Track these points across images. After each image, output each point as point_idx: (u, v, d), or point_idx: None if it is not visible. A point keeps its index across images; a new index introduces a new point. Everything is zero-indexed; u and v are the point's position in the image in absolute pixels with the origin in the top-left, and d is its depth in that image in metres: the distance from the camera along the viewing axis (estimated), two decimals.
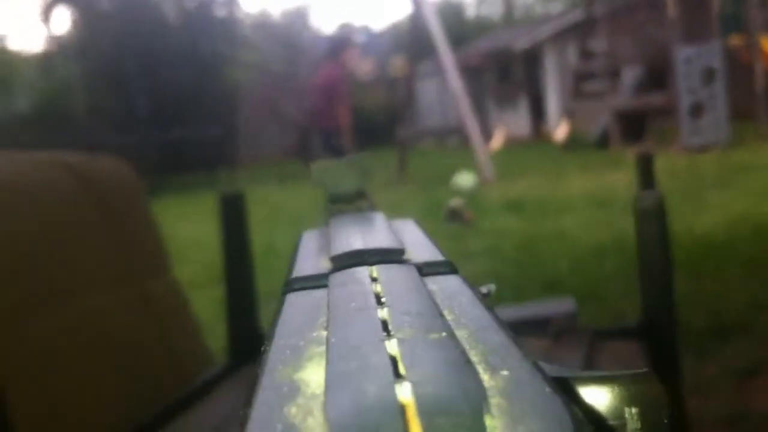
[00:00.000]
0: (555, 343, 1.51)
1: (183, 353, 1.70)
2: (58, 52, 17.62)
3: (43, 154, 1.67)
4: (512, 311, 1.95)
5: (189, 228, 7.62)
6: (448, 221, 6.63)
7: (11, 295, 1.27)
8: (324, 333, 0.30)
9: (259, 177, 13.51)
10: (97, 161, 1.74)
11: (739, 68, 11.46)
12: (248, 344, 1.71)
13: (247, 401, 0.23)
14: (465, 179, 9.10)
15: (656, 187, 1.80)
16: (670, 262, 1.44)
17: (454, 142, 16.74)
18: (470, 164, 9.98)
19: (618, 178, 8.05)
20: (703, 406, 2.44)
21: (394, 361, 0.24)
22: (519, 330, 1.20)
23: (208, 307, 3.84)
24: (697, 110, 10.62)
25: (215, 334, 1.97)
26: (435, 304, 0.32)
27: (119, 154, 1.90)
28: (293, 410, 0.22)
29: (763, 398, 2.53)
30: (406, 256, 0.41)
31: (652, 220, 1.41)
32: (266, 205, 9.21)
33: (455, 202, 6.96)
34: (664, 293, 1.44)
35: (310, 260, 0.45)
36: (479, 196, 8.28)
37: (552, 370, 0.27)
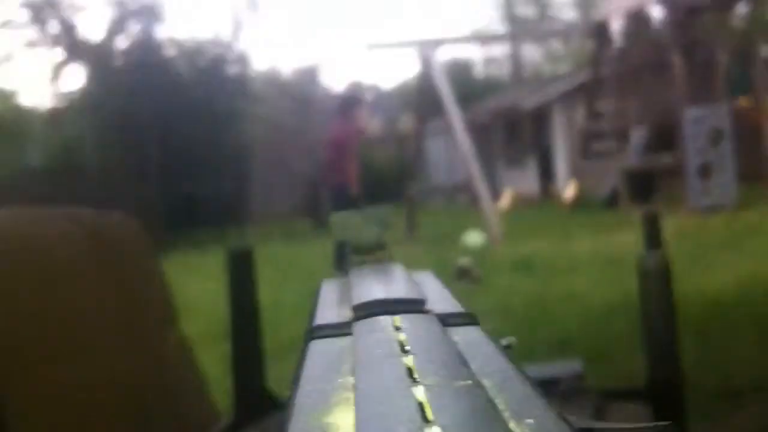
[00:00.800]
0: (563, 404, 1.46)
1: (189, 407, 1.70)
2: (71, 107, 17.85)
3: (55, 210, 1.69)
4: None
5: (198, 284, 7.62)
6: (456, 279, 6.63)
7: (22, 346, 1.28)
8: (350, 379, 0.30)
9: (269, 233, 13.55)
10: (108, 217, 1.76)
11: (746, 130, 11.50)
12: (253, 401, 1.69)
13: None
14: (473, 238, 9.12)
15: (662, 246, 1.79)
16: (675, 322, 1.43)
17: (462, 201, 16.78)
18: (479, 223, 10.01)
19: (626, 238, 8.02)
20: None
21: (421, 406, 0.24)
22: None
23: (215, 363, 3.83)
24: (705, 171, 10.64)
25: (221, 390, 1.95)
26: (459, 353, 0.32)
27: (130, 209, 1.91)
28: None
29: None
30: (427, 307, 0.42)
31: (656, 279, 1.41)
32: (275, 262, 9.22)
33: (464, 260, 6.97)
34: (669, 354, 1.43)
35: (331, 309, 0.45)
36: (488, 255, 8.28)
37: (575, 421, 0.27)
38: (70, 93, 17.92)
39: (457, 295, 0.46)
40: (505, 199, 17.12)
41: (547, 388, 1.52)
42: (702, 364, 3.40)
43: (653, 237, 1.78)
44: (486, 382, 0.28)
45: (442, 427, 0.22)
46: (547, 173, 19.50)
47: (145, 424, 1.51)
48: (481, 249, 8.80)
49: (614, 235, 8.85)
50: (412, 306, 0.41)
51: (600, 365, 3.56)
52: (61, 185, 15.00)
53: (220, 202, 14.74)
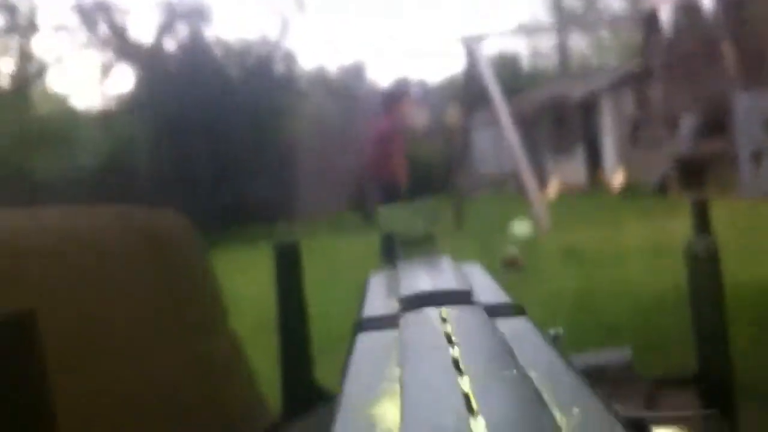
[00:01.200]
0: (611, 392, 1.50)
1: (239, 403, 1.71)
2: (121, 109, 18.18)
3: (105, 208, 1.71)
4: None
5: (247, 279, 7.75)
6: (504, 269, 6.66)
7: (74, 342, 1.29)
8: (397, 371, 0.30)
9: (316, 228, 13.71)
10: (158, 215, 1.76)
11: None
12: (302, 397, 1.71)
13: None
14: (521, 227, 9.14)
15: (711, 233, 1.70)
16: (724, 309, 1.42)
17: (510, 191, 16.77)
18: (526, 212, 10.01)
19: (677, 226, 7.92)
20: None
21: (467, 397, 0.25)
22: None
23: (264, 357, 3.90)
24: (757, 158, 10.52)
25: (270, 384, 1.98)
26: (505, 344, 0.32)
27: (180, 207, 1.95)
28: None
29: None
30: (473, 299, 0.42)
31: (705, 266, 1.39)
32: (322, 256, 9.33)
33: (511, 250, 6.99)
34: (719, 341, 1.42)
35: (379, 301, 0.46)
36: (535, 245, 8.29)
37: (623, 410, 0.27)
38: (121, 95, 18.26)
39: (504, 287, 0.46)
40: (553, 188, 17.06)
41: (595, 376, 1.52)
42: (756, 353, 3.38)
43: (702, 223, 1.68)
44: (532, 373, 0.28)
45: (488, 418, 0.22)
46: (595, 162, 19.39)
47: (194, 419, 1.52)
48: (528, 238, 8.81)
49: (664, 223, 8.79)
50: (459, 298, 0.41)
51: (649, 354, 3.58)
52: (112, 185, 15.35)
53: (269, 198, 14.93)
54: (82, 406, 1.24)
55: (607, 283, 5.76)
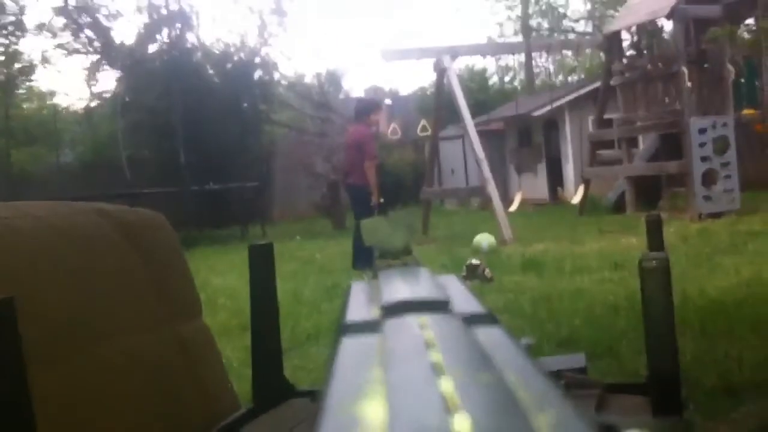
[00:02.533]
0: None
1: (211, 395, 1.73)
2: (103, 107, 18.16)
3: (86, 204, 1.75)
4: None
5: (220, 279, 7.86)
6: (467, 278, 6.80)
7: (52, 331, 1.33)
8: (381, 373, 0.31)
9: (290, 232, 13.72)
10: (135, 212, 1.80)
11: (752, 139, 11.72)
12: (272, 389, 1.74)
13: None
14: (484, 239, 9.28)
15: (664, 248, 1.83)
16: (674, 320, 1.48)
17: (475, 204, 16.97)
18: (490, 225, 10.15)
19: (632, 242, 8.18)
20: None
21: (448, 397, 0.26)
22: None
23: (236, 352, 4.01)
24: (710, 179, 10.84)
25: (241, 379, 2.05)
26: (482, 350, 0.33)
27: (158, 205, 2.03)
28: None
29: None
30: (451, 308, 0.43)
31: (657, 280, 1.44)
32: (295, 259, 9.47)
33: (475, 260, 7.12)
34: (669, 350, 1.47)
35: (361, 308, 0.46)
36: (498, 256, 8.43)
37: (596, 415, 0.36)
38: (104, 94, 18.25)
39: (480, 297, 0.47)
40: (516, 203, 17.35)
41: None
42: (704, 362, 3.46)
43: (655, 240, 1.85)
44: (509, 377, 0.29)
45: (467, 420, 0.23)
46: (556, 179, 19.75)
47: (168, 408, 1.55)
48: (491, 250, 8.97)
49: (620, 239, 8.93)
50: (438, 306, 0.42)
51: (604, 360, 3.64)
52: (94, 181, 15.35)
53: (244, 201, 15.01)
54: (64, 388, 1.30)
55: (564, 291, 5.84)
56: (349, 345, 0.37)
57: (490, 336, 0.37)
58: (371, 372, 0.31)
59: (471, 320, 0.40)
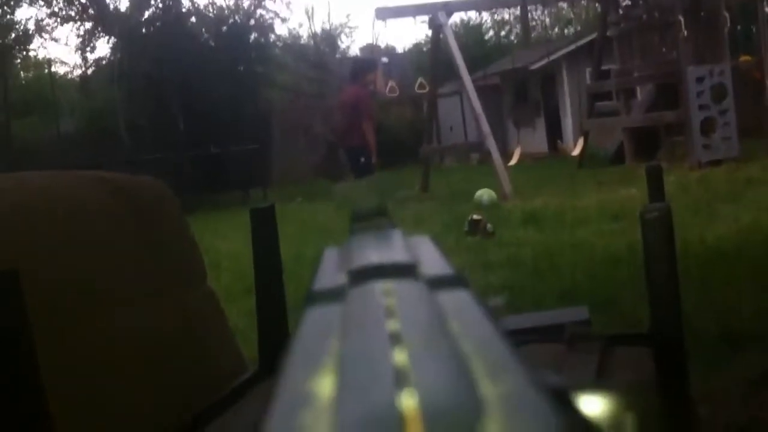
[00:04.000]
0: (569, 350, 1.54)
1: (217, 359, 1.75)
2: (100, 75, 18.11)
3: (86, 173, 1.75)
4: (528, 319, 2.02)
5: (223, 243, 7.92)
6: (469, 234, 6.88)
7: (55, 300, 1.33)
8: (337, 346, 0.31)
9: (290, 194, 13.77)
10: (137, 180, 1.79)
11: (749, 86, 11.71)
12: (279, 351, 1.75)
13: (266, 410, 0.24)
14: (485, 194, 9.34)
15: (665, 198, 1.81)
16: (677, 270, 1.48)
17: (475, 159, 17.00)
18: (490, 180, 10.20)
19: (632, 193, 8.19)
20: (714, 415, 2.47)
21: (400, 371, 0.26)
22: (534, 337, 1.58)
23: (240, 316, 4.06)
24: (708, 127, 10.85)
25: (249, 341, 2.07)
26: (442, 318, 0.33)
27: (158, 171, 2.02)
28: (306, 419, 0.23)
29: None
30: (419, 272, 0.43)
31: (659, 230, 1.44)
32: (296, 221, 9.53)
33: (475, 215, 7.18)
34: (671, 300, 1.47)
35: (329, 275, 0.46)
36: (499, 211, 8.48)
37: (551, 378, 0.29)
38: (101, 61, 18.18)
39: (450, 259, 0.46)
40: (515, 157, 17.37)
41: (553, 333, 1.66)
42: (703, 312, 3.46)
43: (656, 190, 1.82)
44: (466, 346, 0.28)
45: (417, 395, 0.23)
46: (555, 132, 19.76)
47: (176, 374, 1.56)
48: (492, 205, 9.02)
49: (619, 190, 8.94)
50: (404, 271, 0.42)
51: (605, 312, 3.64)
52: (93, 150, 15.37)
53: (243, 164, 15.01)
54: (67, 358, 1.30)
55: (565, 244, 5.89)
56: (311, 315, 0.37)
57: (455, 300, 0.35)
58: (328, 345, 0.30)
59: (437, 284, 0.39)
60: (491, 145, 10.66)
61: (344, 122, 8.83)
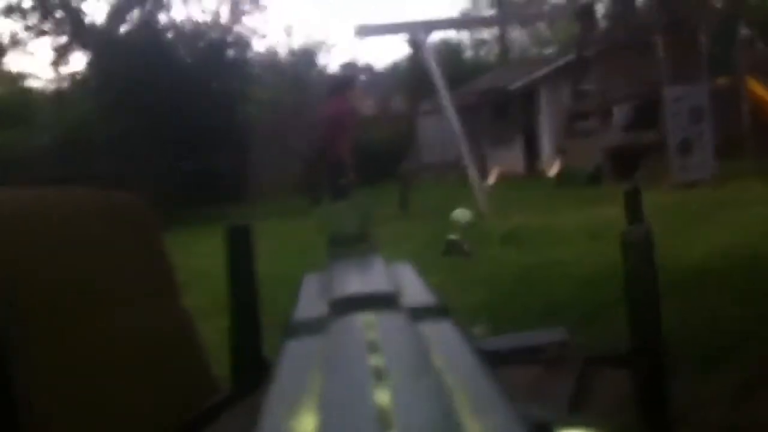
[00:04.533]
0: (548, 370, 1.57)
1: (190, 378, 1.74)
2: (76, 89, 17.98)
3: (62, 190, 1.76)
4: (507, 341, 2.00)
5: (198, 260, 7.83)
6: (447, 254, 6.83)
7: (33, 318, 1.34)
8: (319, 381, 0.30)
9: (268, 210, 13.70)
10: (114, 196, 1.80)
11: (726, 108, 11.79)
12: (252, 373, 1.70)
13: None
14: (463, 214, 9.30)
15: (643, 220, 1.83)
16: (657, 292, 1.48)
17: (453, 178, 17.00)
18: (468, 199, 10.18)
19: (610, 213, 8.13)
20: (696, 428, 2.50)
21: (383, 412, 0.25)
22: (513, 358, 1.51)
23: (215, 335, 3.99)
24: (685, 148, 10.91)
25: (221, 363, 2.02)
26: (425, 352, 0.32)
27: (134, 187, 2.02)
28: None
29: (755, 417, 2.60)
30: (401, 302, 0.42)
31: (640, 252, 1.46)
32: (273, 238, 9.44)
33: (454, 235, 7.14)
34: (652, 322, 1.48)
35: (310, 304, 0.46)
36: (477, 230, 8.45)
37: (534, 413, 0.29)
38: (76, 75, 18.05)
39: (432, 288, 0.46)
40: (493, 177, 17.40)
41: (532, 355, 1.64)
42: (682, 329, 3.44)
43: (635, 211, 1.82)
44: (450, 379, 0.28)
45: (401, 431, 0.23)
46: (533, 152, 19.81)
47: (148, 392, 1.55)
48: (470, 224, 8.98)
49: (597, 210, 8.99)
50: (386, 302, 0.41)
51: (585, 331, 3.63)
52: (69, 164, 15.21)
53: (221, 180, 14.93)
54: (47, 369, 1.31)
55: (543, 264, 5.89)
56: (292, 348, 0.37)
57: (438, 332, 0.36)
58: (309, 380, 0.30)
59: (419, 315, 0.39)
60: (469, 164, 10.65)
61: (323, 138, 8.76)
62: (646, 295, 1.45)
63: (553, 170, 15.68)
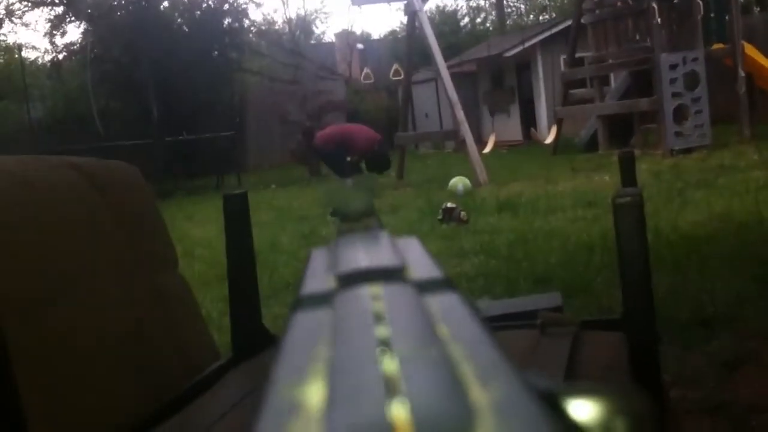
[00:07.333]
0: (542, 335, 1.57)
1: (189, 345, 1.73)
2: (71, 60, 17.91)
3: (57, 158, 1.72)
4: (502, 305, 2.04)
5: (196, 229, 7.87)
6: (444, 222, 6.88)
7: (27, 285, 1.33)
8: (326, 352, 0.31)
9: (265, 180, 13.71)
10: (108, 164, 1.77)
11: (721, 73, 11.79)
12: (251, 338, 1.73)
13: (254, 418, 0.24)
14: (459, 182, 9.34)
15: (637, 184, 1.84)
16: (648, 255, 1.48)
17: (450, 147, 17.01)
18: (465, 167, 10.20)
19: (605, 180, 8.26)
20: (687, 396, 2.50)
21: (390, 378, 0.26)
22: (508, 323, 1.57)
23: (214, 303, 4.03)
24: (681, 114, 10.93)
25: (221, 330, 2.01)
26: (431, 323, 0.33)
27: (131, 156, 2.01)
28: (294, 428, 0.23)
29: (745, 389, 2.57)
30: (407, 275, 0.43)
31: (630, 215, 1.45)
32: (271, 207, 9.50)
33: (450, 203, 7.17)
34: (643, 285, 1.48)
35: (317, 279, 0.46)
36: (473, 198, 8.49)
37: (541, 382, 0.29)
38: (72, 47, 17.95)
39: (438, 262, 0.46)
40: (490, 145, 17.40)
41: (526, 319, 1.67)
42: (676, 296, 3.50)
43: (628, 176, 1.85)
44: (455, 351, 0.29)
45: (406, 403, 0.24)
46: (529, 119, 19.81)
47: (147, 360, 1.56)
48: (467, 192, 9.02)
49: (594, 177, 9.00)
50: (393, 274, 0.42)
51: (579, 298, 3.68)
52: (66, 136, 15.20)
53: (218, 151, 14.93)
54: (37, 341, 1.29)
55: (539, 231, 5.91)
56: (300, 321, 0.36)
57: (444, 304, 0.35)
58: (317, 352, 0.30)
59: (426, 287, 0.38)
60: (466, 132, 10.66)
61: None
62: (637, 258, 1.46)
63: (549, 137, 15.69)
